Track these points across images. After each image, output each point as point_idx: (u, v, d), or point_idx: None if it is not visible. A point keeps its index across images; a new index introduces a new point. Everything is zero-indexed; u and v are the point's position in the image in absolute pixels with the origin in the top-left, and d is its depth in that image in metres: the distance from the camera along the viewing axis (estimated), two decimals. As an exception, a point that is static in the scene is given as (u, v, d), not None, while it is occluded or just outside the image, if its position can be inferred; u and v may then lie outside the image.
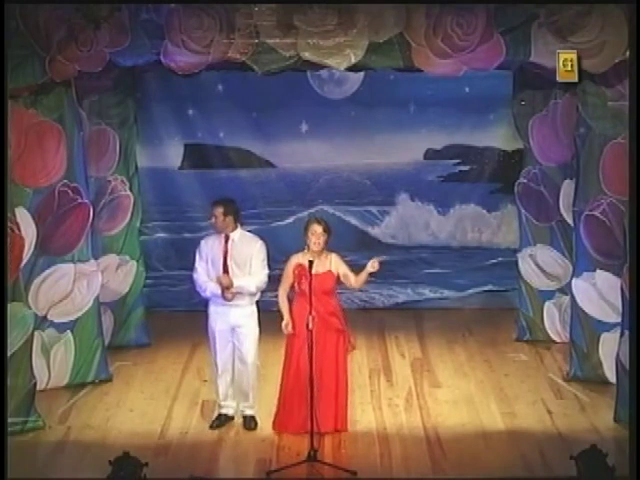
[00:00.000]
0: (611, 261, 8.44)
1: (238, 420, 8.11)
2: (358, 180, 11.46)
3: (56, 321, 8.80)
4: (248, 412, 8.08)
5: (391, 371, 9.43)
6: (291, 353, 7.86)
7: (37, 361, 8.48)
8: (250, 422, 8.04)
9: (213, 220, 7.87)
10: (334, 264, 7.81)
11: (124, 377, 9.21)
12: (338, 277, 7.81)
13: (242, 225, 7.96)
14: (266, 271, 7.88)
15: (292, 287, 7.85)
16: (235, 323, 7.92)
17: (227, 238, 7.87)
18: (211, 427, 8.02)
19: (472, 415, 8.31)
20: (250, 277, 7.82)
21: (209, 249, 7.92)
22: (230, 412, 8.11)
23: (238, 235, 7.89)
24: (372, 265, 7.60)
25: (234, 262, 7.83)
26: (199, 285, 7.95)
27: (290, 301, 7.90)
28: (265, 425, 8.03)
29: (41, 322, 8.65)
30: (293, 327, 7.80)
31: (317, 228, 7.72)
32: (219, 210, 7.82)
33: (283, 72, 8.21)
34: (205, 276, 7.91)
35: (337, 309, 7.88)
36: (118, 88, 9.70)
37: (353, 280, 7.78)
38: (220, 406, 8.11)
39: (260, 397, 8.19)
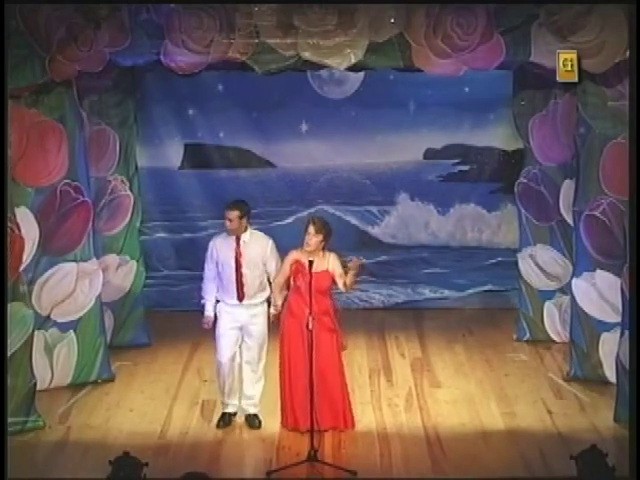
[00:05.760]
0: (611, 261, 8.44)
1: (239, 420, 8.11)
2: (358, 180, 11.46)
3: (59, 321, 8.80)
4: (252, 410, 8.08)
5: (391, 371, 9.43)
6: (286, 350, 7.86)
7: (40, 361, 8.51)
8: (254, 420, 8.04)
9: (228, 224, 7.83)
10: (332, 264, 7.82)
11: (124, 377, 9.20)
12: (334, 277, 7.83)
13: (250, 226, 7.97)
14: None
15: (287, 283, 7.87)
16: (245, 322, 7.93)
17: (238, 239, 7.88)
18: (217, 426, 8.01)
19: (472, 415, 8.31)
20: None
21: (218, 251, 7.93)
22: (234, 410, 8.10)
23: (248, 236, 7.89)
24: (353, 265, 7.62)
25: (244, 263, 7.85)
26: (202, 292, 8.08)
27: (285, 298, 7.93)
28: (265, 425, 8.03)
29: (44, 322, 8.66)
30: (287, 323, 7.83)
31: (310, 229, 7.74)
32: (234, 214, 7.78)
33: (283, 72, 8.21)
34: (210, 284, 7.98)
35: (330, 309, 7.88)
36: (118, 88, 9.69)
37: (342, 283, 7.78)
38: (225, 405, 8.10)
39: (260, 396, 8.18)
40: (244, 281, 7.85)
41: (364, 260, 7.71)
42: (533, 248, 10.05)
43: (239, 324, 7.94)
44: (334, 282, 7.83)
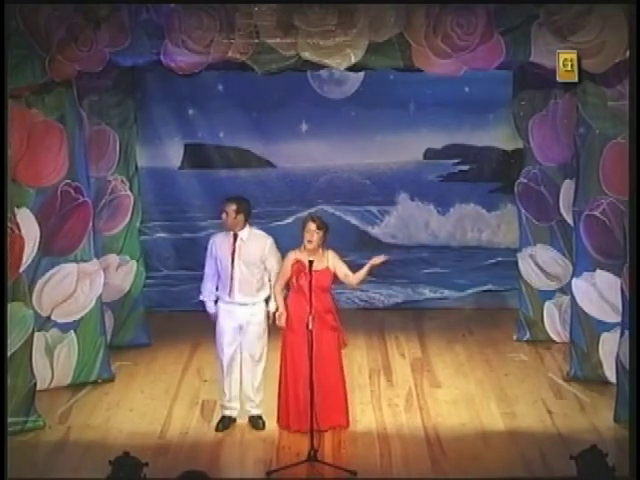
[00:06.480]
0: (611, 261, 8.44)
1: (239, 420, 8.10)
2: (358, 180, 11.46)
3: (60, 321, 8.79)
4: (255, 412, 8.06)
5: (391, 371, 9.43)
6: (288, 350, 7.87)
7: (40, 361, 8.51)
8: (257, 422, 8.02)
9: (224, 217, 7.86)
10: (331, 261, 7.83)
11: (124, 377, 9.19)
12: (335, 274, 7.84)
13: (251, 225, 7.97)
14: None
15: (288, 283, 7.87)
16: (243, 321, 7.92)
17: (235, 237, 7.88)
18: (217, 430, 7.98)
19: (472, 415, 8.31)
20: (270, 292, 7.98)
21: (217, 248, 7.94)
22: (234, 414, 8.07)
23: (247, 234, 7.88)
24: (375, 260, 7.64)
25: (242, 261, 7.84)
26: (201, 289, 8.07)
27: (285, 297, 7.93)
28: (265, 425, 8.02)
29: (45, 323, 8.66)
30: (289, 322, 7.82)
31: (311, 226, 7.74)
32: (231, 207, 7.80)
33: (283, 72, 8.21)
34: (209, 282, 7.99)
35: (332, 306, 7.90)
36: (118, 88, 9.69)
37: (352, 277, 7.81)
38: (225, 407, 8.08)
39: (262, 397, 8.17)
40: (239, 278, 7.84)
41: (384, 258, 7.73)
42: (533, 248, 10.05)
43: (238, 323, 7.92)
44: (335, 279, 7.84)
